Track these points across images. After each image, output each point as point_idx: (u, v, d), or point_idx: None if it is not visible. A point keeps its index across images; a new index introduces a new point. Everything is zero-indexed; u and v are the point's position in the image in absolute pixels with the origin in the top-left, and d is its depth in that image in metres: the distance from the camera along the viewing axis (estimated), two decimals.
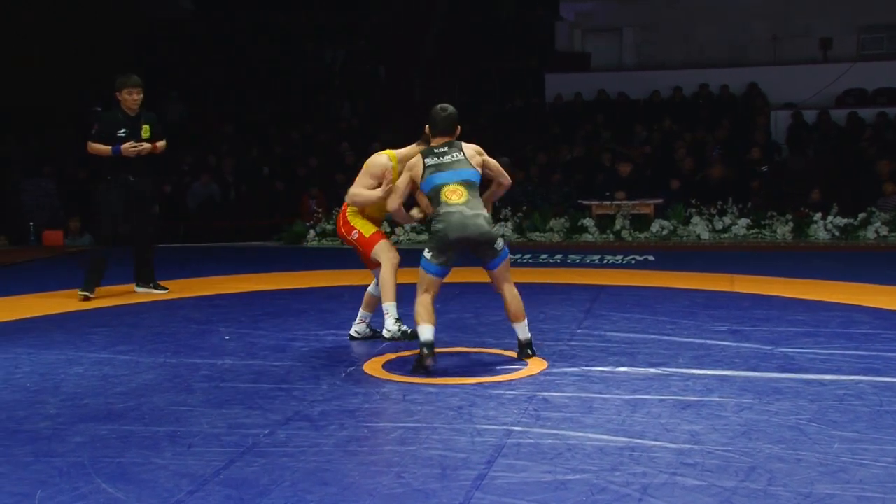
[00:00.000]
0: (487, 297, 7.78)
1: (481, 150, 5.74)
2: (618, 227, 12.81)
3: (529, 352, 5.74)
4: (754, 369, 5.45)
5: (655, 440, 4.15)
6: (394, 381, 5.32)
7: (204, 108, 19.41)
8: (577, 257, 11.05)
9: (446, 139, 5.70)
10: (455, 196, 5.50)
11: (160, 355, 6.03)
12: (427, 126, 5.81)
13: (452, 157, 5.60)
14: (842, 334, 6.37)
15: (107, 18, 20.57)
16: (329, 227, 13.39)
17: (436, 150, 5.64)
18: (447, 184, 5.53)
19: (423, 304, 5.51)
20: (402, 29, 21.43)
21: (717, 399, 4.81)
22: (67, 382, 5.38)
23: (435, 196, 5.56)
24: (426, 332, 5.43)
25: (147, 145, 8.35)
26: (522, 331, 5.74)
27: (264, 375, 5.46)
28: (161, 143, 8.53)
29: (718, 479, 3.67)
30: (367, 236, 6.22)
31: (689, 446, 4.06)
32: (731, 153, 14.99)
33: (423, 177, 5.61)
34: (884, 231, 12.30)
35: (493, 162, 5.77)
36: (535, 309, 7.46)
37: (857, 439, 4.13)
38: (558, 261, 10.83)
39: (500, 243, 5.53)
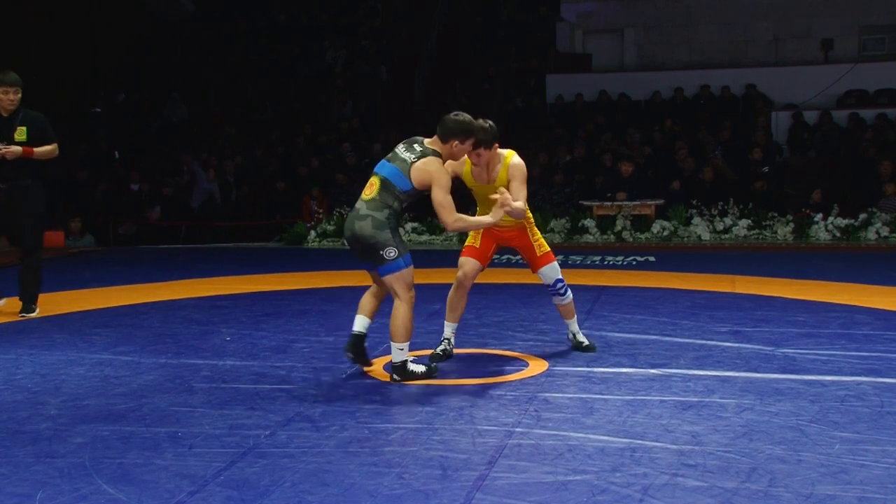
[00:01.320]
0: (489, 299, 7.80)
1: (435, 171, 5.21)
2: (619, 227, 12.82)
3: (395, 377, 5.33)
4: (755, 370, 5.45)
5: (656, 441, 4.15)
6: (394, 381, 5.32)
7: (205, 109, 19.42)
8: (578, 258, 11.05)
9: (435, 139, 5.38)
10: (367, 191, 5.31)
11: (161, 356, 6.04)
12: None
13: (408, 156, 5.28)
14: (843, 335, 6.37)
15: (108, 19, 20.59)
16: (329, 227, 13.38)
17: (415, 145, 5.36)
18: (374, 175, 5.36)
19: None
20: (404, 29, 21.44)
21: (718, 400, 4.82)
22: (68, 383, 5.38)
23: None
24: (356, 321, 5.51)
25: (16, 149, 7.22)
26: (394, 353, 5.32)
27: (265, 376, 5.47)
28: (42, 149, 7.40)
29: (719, 479, 3.68)
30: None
31: (690, 447, 4.07)
32: (732, 154, 14.99)
33: None
34: (884, 232, 12.30)
35: (435, 196, 5.22)
36: (536, 310, 7.47)
37: (858, 440, 4.13)
38: (559, 261, 10.77)
39: (389, 253, 5.19)
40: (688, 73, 18.51)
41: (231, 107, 19.27)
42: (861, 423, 4.39)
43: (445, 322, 5.96)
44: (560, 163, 15.41)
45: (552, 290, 5.98)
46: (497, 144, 5.60)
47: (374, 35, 21.48)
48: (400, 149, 5.38)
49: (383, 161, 5.41)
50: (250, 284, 9.23)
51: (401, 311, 5.27)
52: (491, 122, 5.56)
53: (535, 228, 6.02)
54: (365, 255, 5.30)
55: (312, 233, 13.43)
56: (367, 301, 5.54)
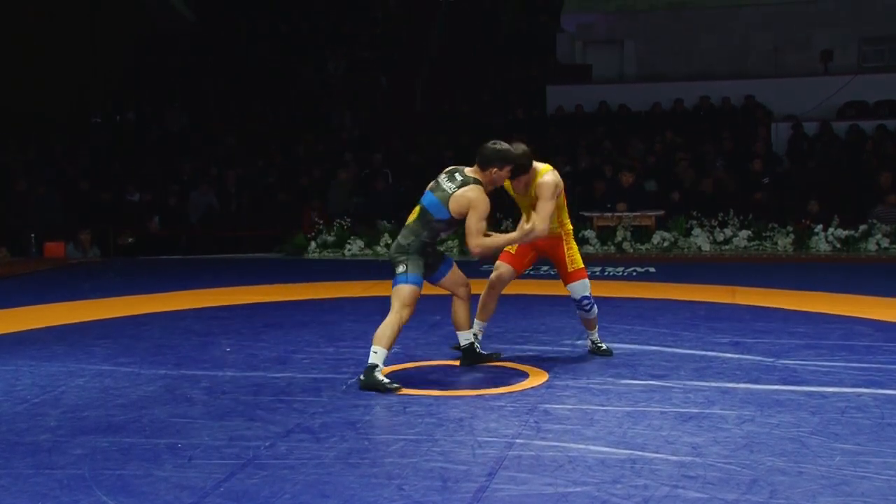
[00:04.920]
0: None
1: (475, 198, 5.45)
2: (619, 238, 12.81)
3: (361, 376, 5.41)
4: (756, 381, 5.44)
5: (657, 452, 4.15)
6: (395, 392, 5.31)
7: (205, 118, 19.44)
8: None
9: (475, 167, 5.61)
10: (410, 217, 5.66)
11: (161, 367, 6.03)
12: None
13: (448, 187, 5.54)
14: (843, 346, 6.37)
15: (109, 27, 20.63)
16: (330, 238, 13.37)
17: (456, 175, 5.60)
18: (419, 203, 5.65)
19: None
20: (404, 39, 21.49)
21: (719, 411, 4.81)
22: (68, 394, 5.37)
23: None
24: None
25: None
26: (371, 354, 5.39)
27: (265, 387, 5.46)
28: None
29: (720, 491, 3.67)
30: None
31: (690, 459, 4.06)
32: (732, 165, 15.01)
33: None
34: (885, 243, 12.29)
35: (468, 221, 5.51)
36: (536, 321, 7.47)
37: (859, 452, 4.12)
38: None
39: (398, 268, 5.52)
40: (688, 85, 18.53)
41: (232, 116, 19.29)
42: (862, 434, 4.39)
43: (475, 319, 6.12)
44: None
45: (577, 305, 6.09)
46: (533, 165, 5.84)
47: (375, 44, 21.52)
48: (442, 178, 5.65)
49: (427, 191, 5.66)
50: (250, 295, 9.23)
51: (391, 320, 5.44)
52: (525, 147, 5.78)
53: (573, 242, 6.10)
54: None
55: (313, 244, 13.42)
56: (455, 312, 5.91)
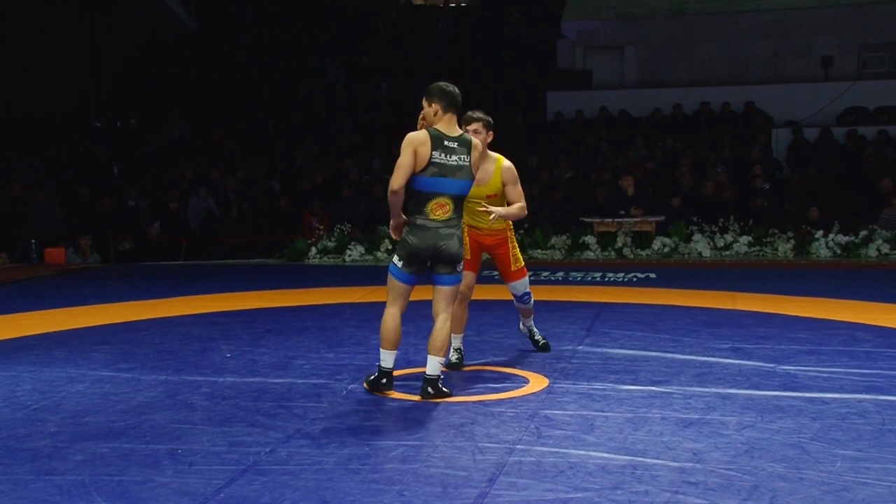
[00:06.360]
0: (490, 315, 7.79)
1: (477, 145, 5.36)
2: (619, 244, 12.81)
3: (430, 390, 5.23)
4: (756, 387, 5.44)
5: (657, 458, 4.14)
6: (395, 398, 5.32)
7: (206, 125, 19.45)
8: (579, 275, 11.04)
9: (454, 121, 5.31)
10: (440, 212, 5.21)
11: (161, 373, 6.03)
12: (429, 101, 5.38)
13: (459, 159, 5.19)
14: (844, 352, 6.36)
15: (109, 34, 20.66)
16: (330, 244, 13.37)
17: (446, 143, 5.17)
18: (440, 195, 5.18)
19: (390, 321, 5.32)
20: (405, 46, 21.50)
21: (719, 417, 4.81)
22: (68, 400, 5.37)
23: (420, 201, 5.20)
24: (387, 358, 5.35)
25: None
26: (432, 365, 5.26)
27: (265, 393, 5.46)
28: None
29: (721, 497, 3.67)
30: None
31: (691, 464, 4.06)
32: (733, 171, 15.01)
33: (423, 170, 5.15)
34: (885, 249, 12.29)
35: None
36: (537, 326, 7.44)
37: (860, 458, 4.12)
38: (560, 278, 10.81)
39: (460, 266, 5.35)
40: (688, 90, 18.53)
41: (233, 123, 19.30)
42: (863, 440, 4.38)
43: (452, 335, 5.96)
44: (561, 179, 15.41)
45: (519, 299, 6.37)
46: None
47: (375, 52, 21.54)
48: (441, 158, 5.16)
49: (440, 180, 5.16)
50: (250, 301, 9.23)
51: (446, 326, 5.33)
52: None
53: (515, 242, 6.33)
54: (444, 264, 5.29)
55: (313, 249, 13.43)
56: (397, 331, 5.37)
